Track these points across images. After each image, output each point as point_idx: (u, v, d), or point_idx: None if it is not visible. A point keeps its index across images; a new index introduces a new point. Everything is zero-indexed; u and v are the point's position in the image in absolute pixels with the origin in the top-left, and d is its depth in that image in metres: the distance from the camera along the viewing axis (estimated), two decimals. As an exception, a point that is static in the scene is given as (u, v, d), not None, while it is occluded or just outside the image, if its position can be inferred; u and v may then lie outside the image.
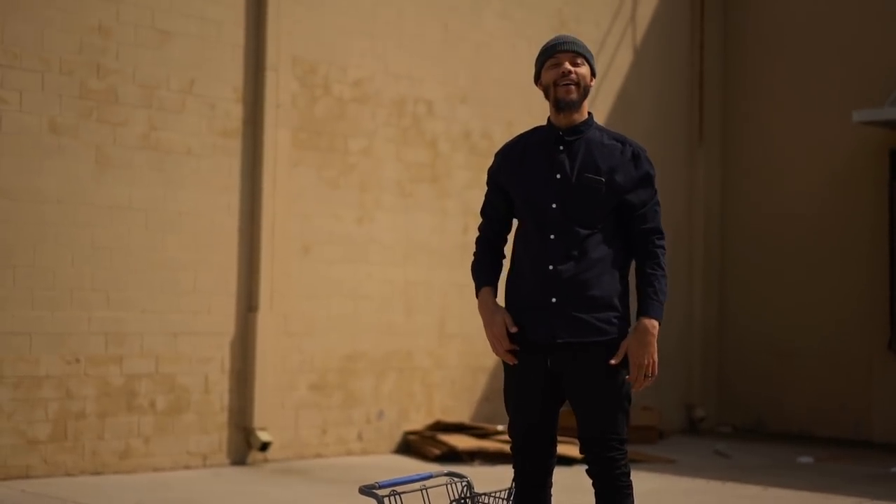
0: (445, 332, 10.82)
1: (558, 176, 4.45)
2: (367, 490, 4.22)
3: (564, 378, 4.39)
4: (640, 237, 4.47)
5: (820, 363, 12.68)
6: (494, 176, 4.67)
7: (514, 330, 4.42)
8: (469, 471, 9.29)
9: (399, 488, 4.26)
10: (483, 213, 4.72)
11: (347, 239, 10.11)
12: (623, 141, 4.54)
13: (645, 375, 4.35)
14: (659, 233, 4.49)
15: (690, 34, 13.33)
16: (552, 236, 4.39)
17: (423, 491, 4.41)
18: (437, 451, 9.95)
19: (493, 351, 4.48)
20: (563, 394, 4.45)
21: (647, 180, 4.49)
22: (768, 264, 13.13)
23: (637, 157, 4.50)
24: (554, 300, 4.36)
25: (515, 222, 4.66)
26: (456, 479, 4.59)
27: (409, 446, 10.37)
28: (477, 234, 4.77)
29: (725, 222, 13.47)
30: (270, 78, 9.53)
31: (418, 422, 10.58)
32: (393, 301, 10.43)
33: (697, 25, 13.34)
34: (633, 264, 4.54)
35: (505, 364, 4.52)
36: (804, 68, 12.98)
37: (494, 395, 11.15)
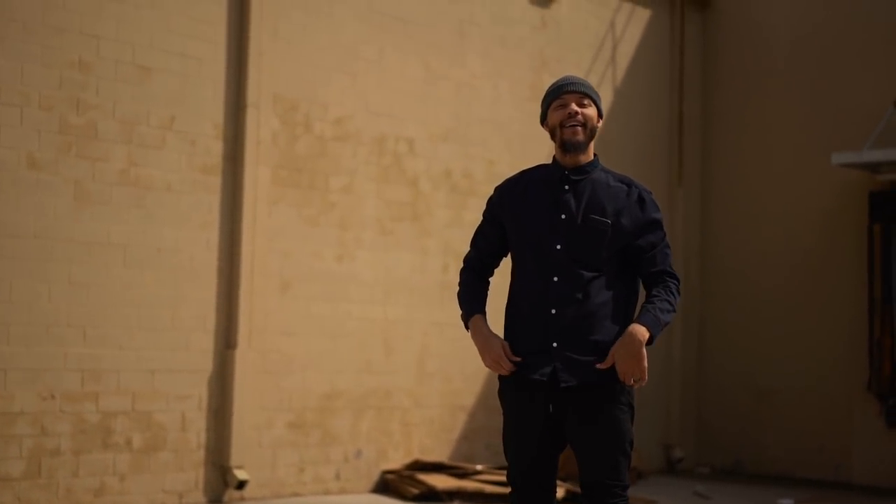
0: (425, 371, 10.77)
1: (563, 216, 4.39)
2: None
3: (566, 423, 4.33)
4: (652, 278, 4.42)
5: (799, 404, 12.67)
6: (494, 209, 4.58)
7: (515, 359, 4.36)
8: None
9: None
10: (474, 244, 4.64)
11: (327, 276, 10.08)
12: (629, 183, 4.49)
13: (633, 380, 4.27)
14: (670, 273, 4.43)
15: (670, 76, 13.40)
16: (556, 278, 4.33)
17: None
18: (415, 491, 9.88)
19: (495, 370, 4.40)
20: (564, 438, 4.39)
21: (654, 224, 4.44)
22: (748, 305, 13.14)
23: (643, 200, 4.44)
24: (555, 345, 4.30)
25: (508, 260, 4.61)
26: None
27: (388, 486, 10.29)
28: (462, 265, 4.69)
29: (705, 263, 13.49)
30: (251, 115, 9.52)
31: (397, 461, 10.51)
32: (372, 339, 10.39)
33: (677, 67, 13.41)
34: (636, 308, 4.45)
35: (504, 409, 4.45)
36: (783, 111, 13.05)
37: (473, 434, 11.10)
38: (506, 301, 4.57)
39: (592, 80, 12.46)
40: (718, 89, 13.61)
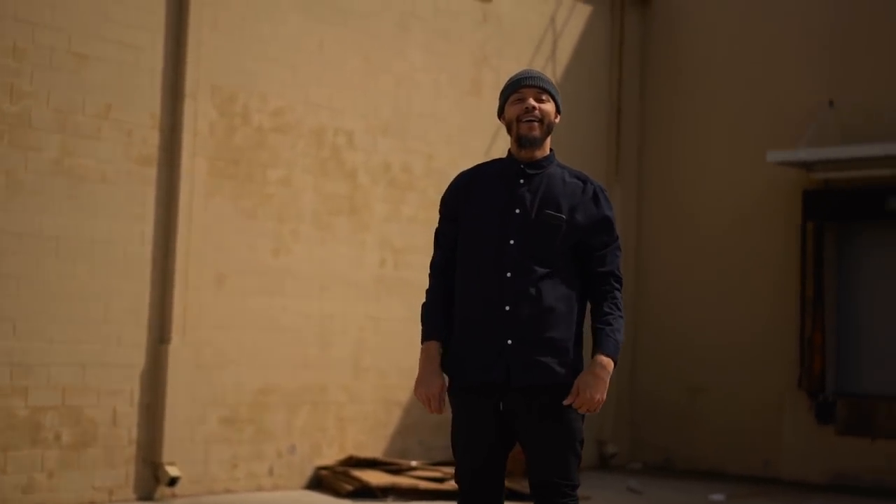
0: (360, 366, 10.70)
1: (517, 210, 4.32)
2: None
3: (517, 422, 4.27)
4: (598, 279, 4.36)
5: (730, 401, 12.78)
6: (450, 204, 4.50)
7: (441, 412, 4.30)
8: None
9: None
10: (438, 245, 4.53)
11: (263, 270, 9.96)
12: (585, 179, 4.44)
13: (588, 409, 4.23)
14: (616, 276, 4.38)
15: (609, 71, 13.41)
16: (509, 274, 4.25)
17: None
18: (349, 487, 9.82)
19: (423, 403, 4.33)
20: (514, 437, 4.33)
21: (606, 222, 4.39)
22: (681, 301, 13.23)
23: (598, 197, 4.40)
24: (510, 342, 4.23)
25: None
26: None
27: (322, 482, 10.22)
28: (429, 270, 4.54)
29: (640, 258, 13.55)
30: (189, 105, 9.37)
31: (331, 457, 10.43)
32: (308, 334, 10.29)
33: (616, 63, 13.43)
34: (588, 306, 4.41)
35: (454, 407, 4.37)
36: (720, 108, 13.13)
37: (408, 430, 11.06)
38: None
39: (532, 75, 12.42)
40: (657, 86, 13.66)
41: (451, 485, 9.96)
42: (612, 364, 4.24)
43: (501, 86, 12.96)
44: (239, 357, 9.76)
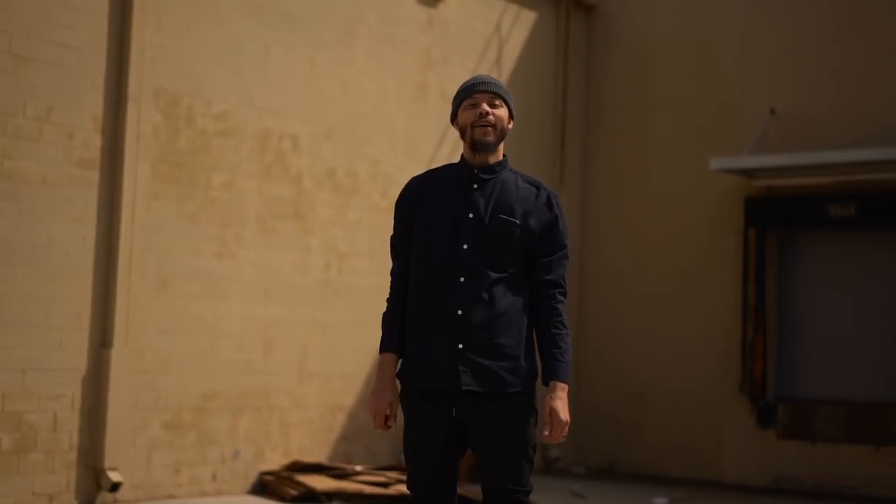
0: (305, 371, 10.67)
1: (471, 215, 4.32)
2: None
3: (470, 428, 4.27)
4: (543, 288, 4.35)
5: (673, 405, 12.88)
6: (405, 209, 4.46)
7: (390, 426, 4.34)
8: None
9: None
10: (396, 253, 4.48)
11: (207, 274, 9.91)
12: (538, 185, 4.45)
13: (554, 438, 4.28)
14: (562, 287, 4.38)
15: (554, 78, 13.49)
16: (462, 279, 4.25)
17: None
18: (294, 493, 9.78)
19: (372, 416, 4.36)
20: (466, 443, 4.33)
21: (558, 230, 4.39)
22: (625, 306, 13.31)
23: (551, 203, 4.40)
24: (461, 346, 4.23)
25: None
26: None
27: (266, 487, 10.17)
28: (390, 278, 4.51)
29: (584, 263, 13.62)
30: (132, 108, 9.30)
31: (275, 462, 10.39)
32: (252, 339, 10.25)
33: (561, 70, 13.50)
34: None
35: (406, 414, 4.36)
36: (664, 115, 13.25)
37: (353, 434, 11.04)
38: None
39: (477, 81, 12.44)
40: (601, 92, 13.75)
41: (397, 489, 9.95)
42: (566, 389, 4.31)
43: (447, 91, 13.07)
44: (182, 362, 9.69)
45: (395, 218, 4.52)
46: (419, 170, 11.66)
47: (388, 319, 4.44)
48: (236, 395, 10.10)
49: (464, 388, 4.22)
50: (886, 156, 11.44)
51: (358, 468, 10.48)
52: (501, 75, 12.82)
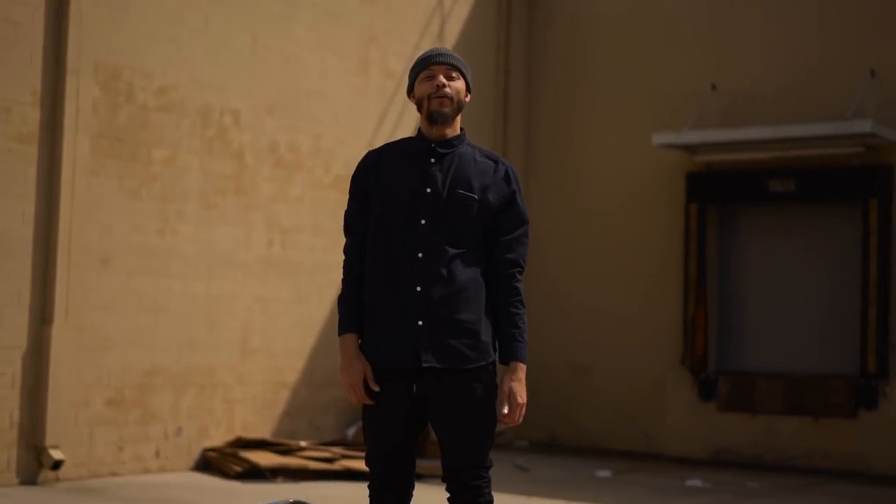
0: (248, 348, 10.62)
1: (429, 190, 4.26)
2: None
3: (430, 405, 4.24)
4: (502, 266, 4.32)
5: (615, 379, 12.98)
6: (361, 184, 4.38)
7: (375, 388, 4.23)
8: (274, 488, 9.17)
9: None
10: (349, 230, 4.40)
11: (148, 251, 9.82)
12: (496, 160, 4.40)
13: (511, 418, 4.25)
14: (521, 266, 4.36)
15: (496, 54, 13.49)
16: (420, 255, 4.20)
17: (270, 521, 4.19)
18: (238, 469, 9.75)
19: (349, 393, 4.28)
20: (426, 420, 4.30)
21: (516, 205, 4.36)
22: (567, 281, 13.38)
23: (509, 178, 4.36)
24: (420, 323, 4.18)
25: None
26: (303, 509, 4.37)
27: (209, 464, 10.12)
28: (343, 257, 4.44)
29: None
30: (71, 82, 9.17)
31: (218, 438, 10.34)
32: (195, 315, 10.18)
33: (503, 46, 13.51)
34: None
35: (365, 390, 4.28)
36: (607, 91, 13.29)
37: (297, 411, 11.02)
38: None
39: (419, 55, 12.39)
40: (543, 69, 13.77)
41: (342, 465, 9.96)
42: (525, 369, 4.29)
43: (389, 66, 13.03)
44: (124, 338, 9.61)
45: (350, 193, 4.44)
46: (362, 145, 11.67)
47: (343, 300, 4.37)
48: (179, 372, 10.03)
49: (425, 365, 4.18)
50: (825, 131, 11.57)
51: (302, 444, 10.47)
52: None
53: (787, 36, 12.33)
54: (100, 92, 9.45)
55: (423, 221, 4.23)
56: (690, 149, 12.37)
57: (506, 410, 4.24)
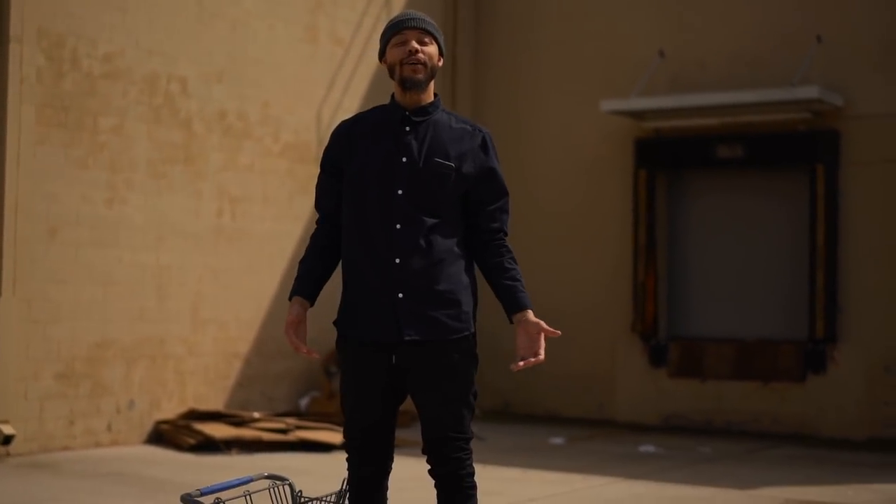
0: (199, 318, 10.49)
1: (405, 159, 4.15)
2: (189, 499, 3.93)
3: (410, 376, 4.17)
4: (487, 234, 4.27)
5: (566, 346, 12.93)
6: (332, 155, 4.27)
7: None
8: (228, 460, 9.09)
9: (223, 495, 3.99)
10: (319, 205, 4.32)
11: (96, 221, 9.65)
12: (473, 126, 4.31)
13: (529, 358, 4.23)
14: (506, 233, 4.32)
15: (444, 19, 13.39)
16: (398, 226, 4.10)
17: (247, 496, 4.11)
18: (191, 441, 9.65)
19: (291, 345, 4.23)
20: (406, 391, 4.23)
21: (494, 172, 4.29)
22: (518, 247, 13.07)
23: (486, 145, 4.28)
24: (401, 295, 4.11)
25: None
26: (278, 483, 4.27)
27: (162, 436, 10.02)
28: (313, 229, 4.38)
29: (476, 208, 13.60)
30: (14, 50, 8.97)
31: (171, 411, 10.23)
32: (144, 286, 10.04)
33: (451, 11, 13.41)
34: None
35: (344, 361, 4.24)
36: (555, 57, 13.25)
37: (249, 381, 10.93)
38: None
39: (367, 23, 12.31)
40: (491, 33, 13.69)
41: (296, 435, 9.89)
42: (532, 314, 4.25)
43: (337, 32, 12.90)
44: (73, 311, 9.45)
45: (321, 166, 4.34)
46: (311, 113, 11.55)
47: (301, 269, 4.32)
48: (130, 344, 9.89)
49: (406, 338, 4.11)
50: (772, 97, 11.62)
51: (256, 415, 10.38)
52: (391, 16, 12.64)
53: (735, 3, 12.35)
54: (44, 60, 9.25)
55: (399, 192, 4.13)
56: (639, 115, 12.38)
57: (542, 341, 4.24)
